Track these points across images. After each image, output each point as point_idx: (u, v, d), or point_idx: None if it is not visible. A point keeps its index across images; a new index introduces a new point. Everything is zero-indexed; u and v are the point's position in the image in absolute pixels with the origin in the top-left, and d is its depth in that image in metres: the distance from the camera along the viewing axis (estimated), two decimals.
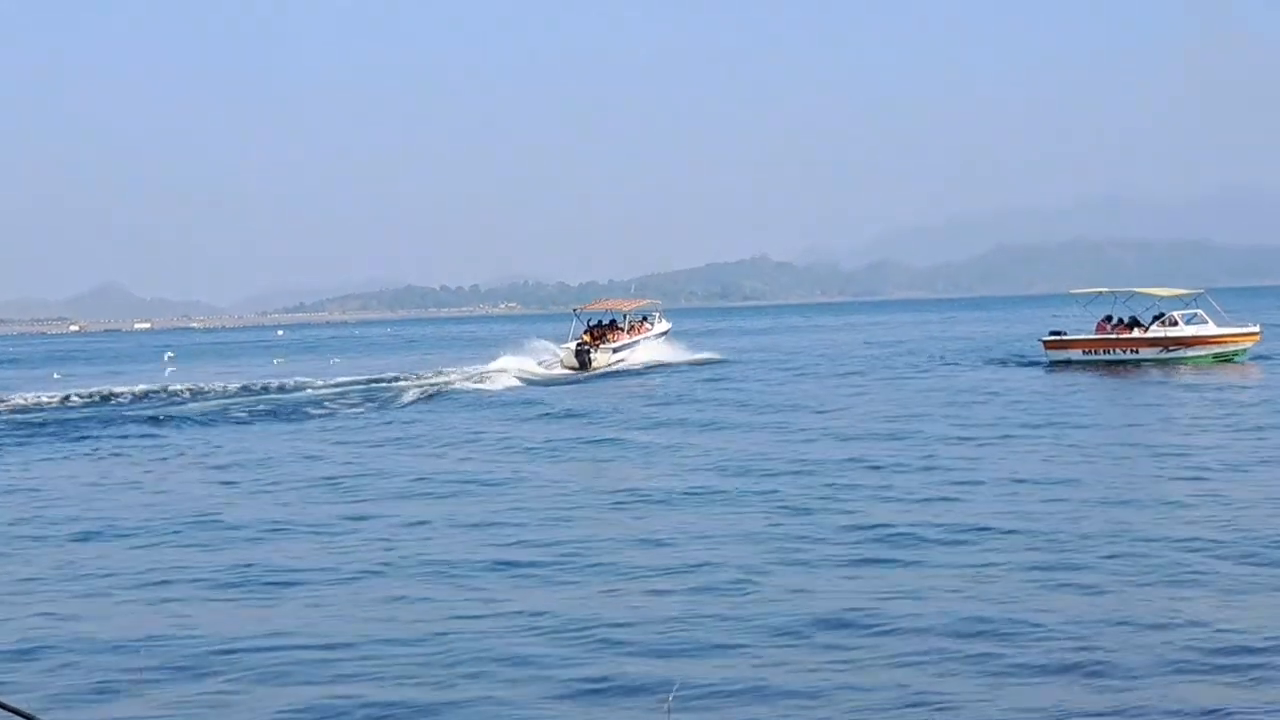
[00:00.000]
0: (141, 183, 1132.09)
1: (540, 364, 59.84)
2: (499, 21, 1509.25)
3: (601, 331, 63.71)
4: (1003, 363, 55.82)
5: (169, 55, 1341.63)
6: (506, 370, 55.49)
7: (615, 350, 61.74)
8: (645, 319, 68.44)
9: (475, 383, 51.00)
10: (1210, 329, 51.07)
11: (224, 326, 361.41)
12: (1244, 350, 51.03)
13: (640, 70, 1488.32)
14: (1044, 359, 53.30)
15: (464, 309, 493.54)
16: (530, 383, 52.80)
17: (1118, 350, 51.03)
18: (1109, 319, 52.59)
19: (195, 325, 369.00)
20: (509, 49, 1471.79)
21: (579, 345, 60.79)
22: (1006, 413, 33.76)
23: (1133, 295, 54.67)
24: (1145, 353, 50.63)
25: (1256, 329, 52.00)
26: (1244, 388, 39.90)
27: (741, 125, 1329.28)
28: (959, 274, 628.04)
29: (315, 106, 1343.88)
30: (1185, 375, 44.72)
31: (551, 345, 61.46)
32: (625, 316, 66.16)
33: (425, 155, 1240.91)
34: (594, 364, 59.55)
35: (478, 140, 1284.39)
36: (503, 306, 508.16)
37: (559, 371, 58.52)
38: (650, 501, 21.66)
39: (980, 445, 27.18)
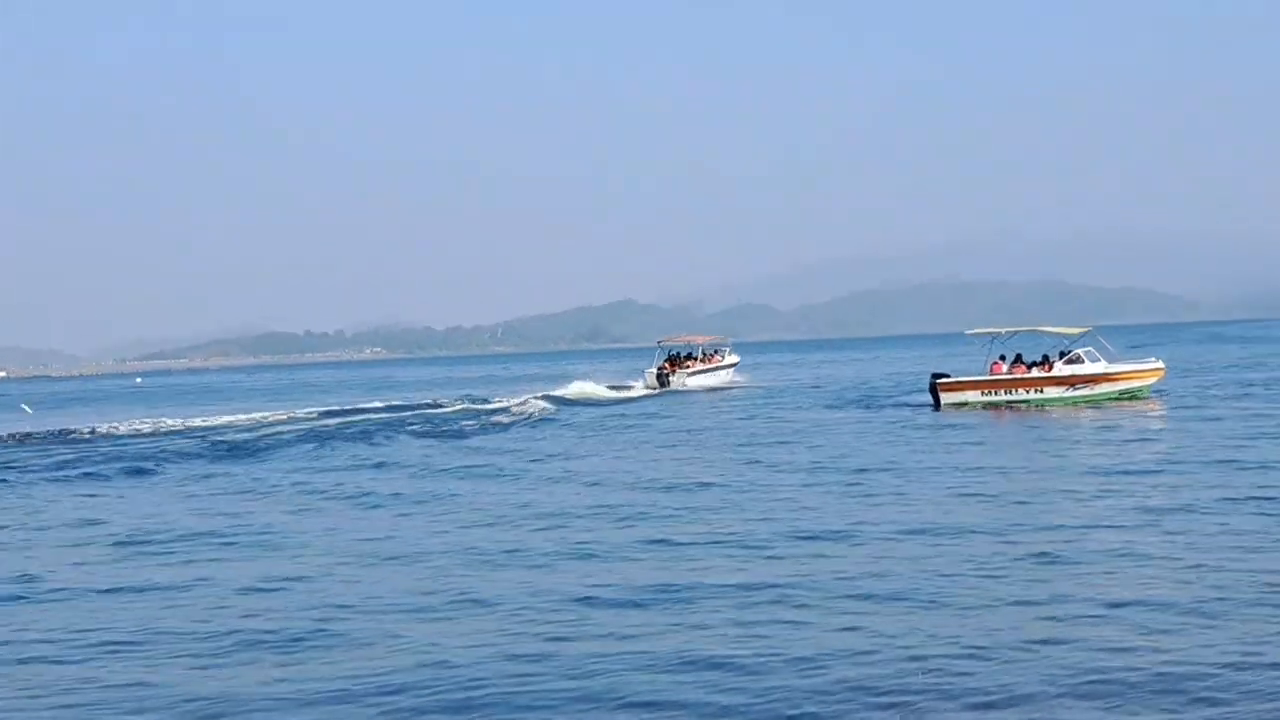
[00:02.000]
0: None
1: (609, 388, 72.70)
2: (360, 70, 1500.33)
3: (680, 360, 77.57)
4: (894, 405, 54.08)
5: (19, 90, 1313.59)
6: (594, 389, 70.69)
7: (690, 375, 75.12)
8: (717, 351, 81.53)
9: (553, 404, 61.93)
10: (1119, 365, 50.37)
11: (82, 375, 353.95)
12: (1148, 386, 50.36)
13: (506, 114, 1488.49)
14: (927, 401, 51.53)
15: (329, 354, 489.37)
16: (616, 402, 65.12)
17: (1020, 390, 49.28)
18: (1003, 358, 50.96)
19: (54, 374, 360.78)
20: (373, 95, 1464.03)
21: (659, 370, 74.86)
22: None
23: (1032, 332, 53.05)
24: (1050, 392, 49.02)
25: (1160, 365, 51.27)
26: (1162, 427, 38.88)
27: (607, 171, 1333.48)
28: (820, 316, 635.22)
29: (173, 147, 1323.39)
30: (1098, 414, 43.56)
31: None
32: (700, 349, 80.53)
33: (288, 198, 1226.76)
34: (671, 385, 73.15)
35: (342, 183, 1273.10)
36: (368, 351, 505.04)
37: (642, 391, 72.00)
38: None
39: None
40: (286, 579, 18.87)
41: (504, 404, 62.12)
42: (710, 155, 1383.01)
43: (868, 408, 53.56)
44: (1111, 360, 50.91)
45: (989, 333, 54.37)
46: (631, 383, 76.19)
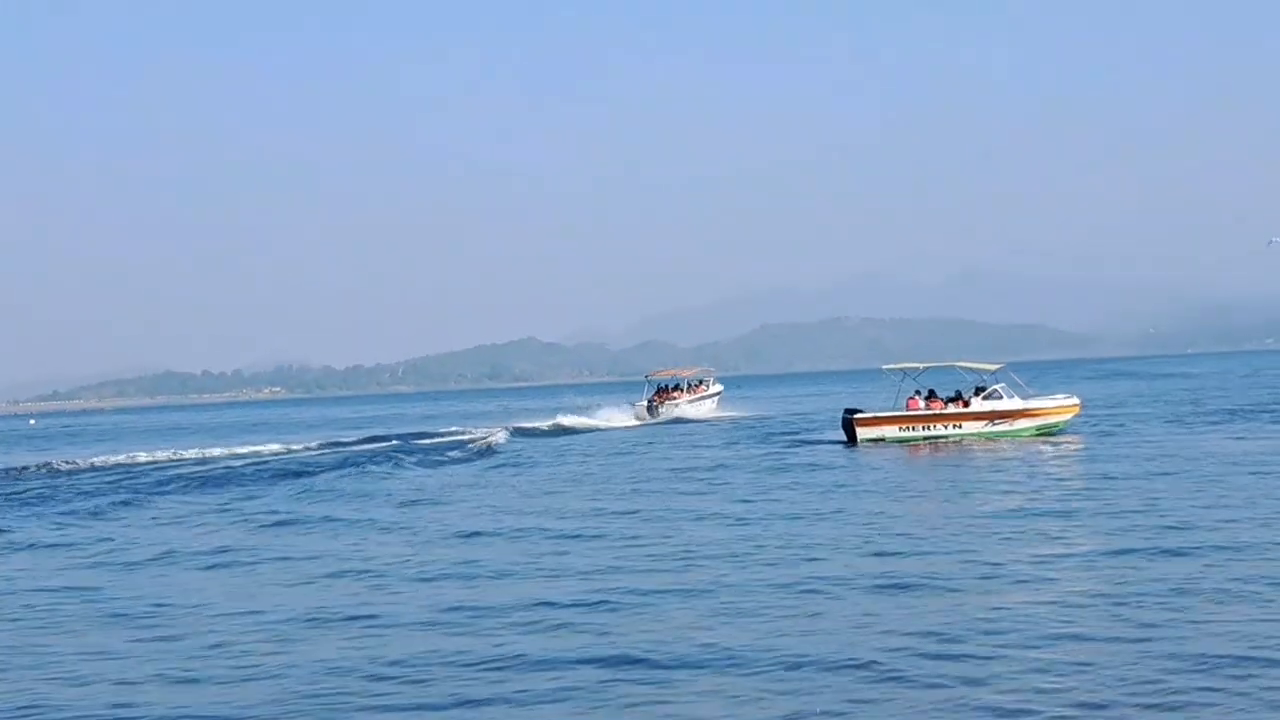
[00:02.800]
0: None
1: (598, 418, 78.04)
2: (257, 113, 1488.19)
3: (668, 392, 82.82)
4: (804, 442, 52.74)
5: None
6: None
7: (677, 406, 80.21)
8: (702, 383, 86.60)
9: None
10: (1037, 401, 49.99)
11: None
12: (1066, 422, 49.91)
13: (408, 153, 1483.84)
14: (837, 438, 51.03)
15: (227, 394, 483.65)
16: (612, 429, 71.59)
17: (939, 425, 48.76)
18: (918, 393, 50.47)
19: None
20: (264, 136, 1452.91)
21: (649, 402, 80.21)
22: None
23: (950, 368, 52.42)
24: (969, 427, 48.61)
25: (1077, 401, 50.93)
26: (1078, 465, 38.39)
27: (508, 207, 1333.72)
28: (723, 353, 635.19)
29: (63, 183, 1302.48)
30: (1017, 450, 43.03)
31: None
32: (686, 381, 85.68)
33: (184, 236, 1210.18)
34: (660, 415, 78.24)
35: (239, 220, 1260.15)
36: (266, 391, 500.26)
37: (632, 421, 76.97)
38: None
39: None
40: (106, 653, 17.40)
41: (463, 437, 63.71)
42: (609, 194, 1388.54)
43: (783, 444, 52.66)
44: (1024, 396, 50.47)
45: (906, 368, 53.99)
46: (615, 413, 79.96)
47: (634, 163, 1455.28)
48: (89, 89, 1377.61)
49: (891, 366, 55.06)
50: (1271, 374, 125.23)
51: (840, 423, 52.22)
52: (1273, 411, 58.95)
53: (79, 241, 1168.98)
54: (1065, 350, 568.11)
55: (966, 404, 49.59)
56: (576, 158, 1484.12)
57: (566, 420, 74.95)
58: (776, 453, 48.00)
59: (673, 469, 42.68)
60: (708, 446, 53.56)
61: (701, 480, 38.13)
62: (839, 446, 48.95)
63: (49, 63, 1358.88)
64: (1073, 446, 44.45)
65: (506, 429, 68.10)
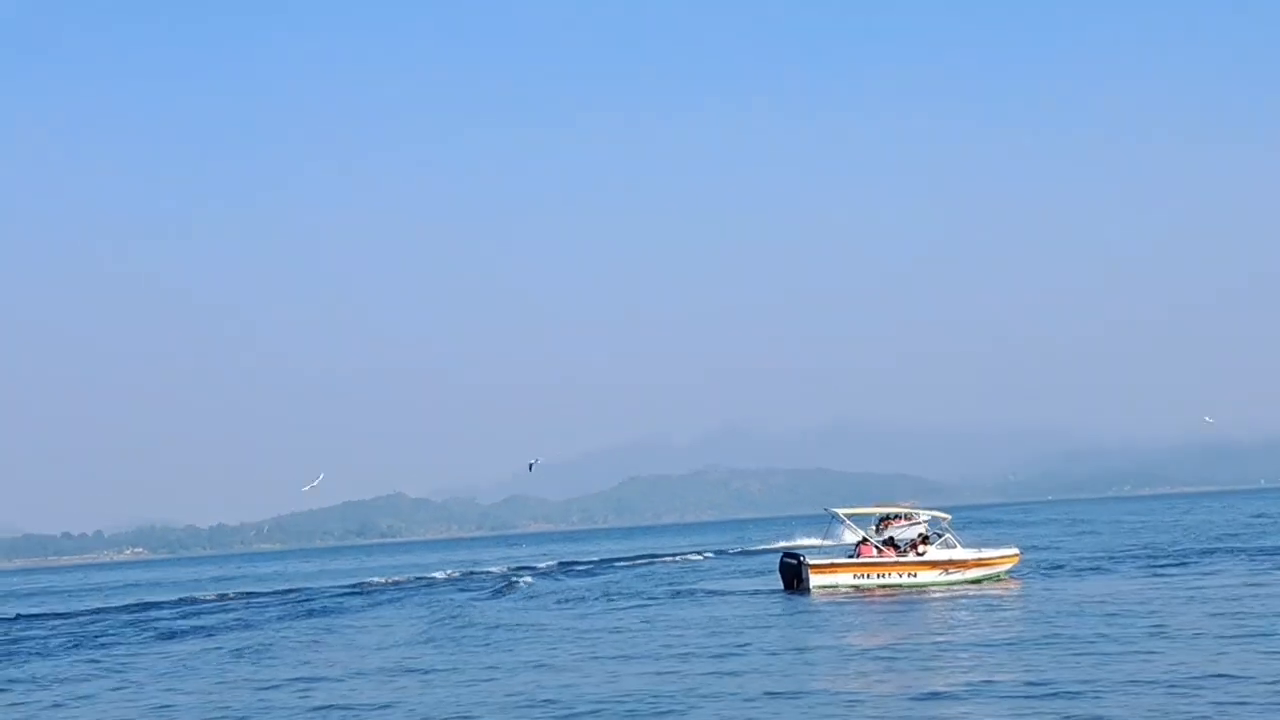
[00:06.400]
0: None
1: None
2: (92, 276, 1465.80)
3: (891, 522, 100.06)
4: (728, 593, 52.11)
5: None
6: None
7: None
8: (908, 516, 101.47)
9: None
10: (987, 551, 51.72)
11: None
12: (1009, 570, 51.25)
13: (269, 305, 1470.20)
14: (762, 587, 51.41)
15: (88, 556, 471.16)
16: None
17: (894, 574, 48.94)
18: (865, 540, 50.93)
19: None
20: (116, 294, 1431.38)
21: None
22: None
23: (911, 511, 53.68)
24: (924, 576, 49.12)
25: (1017, 551, 52.80)
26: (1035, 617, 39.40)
27: (373, 364, 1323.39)
28: (592, 506, 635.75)
29: None
30: (975, 599, 42.96)
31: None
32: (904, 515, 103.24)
33: (37, 396, 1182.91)
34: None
35: (94, 380, 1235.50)
36: (128, 552, 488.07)
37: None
38: None
39: None
40: None
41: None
42: (471, 349, 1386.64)
43: (711, 593, 52.45)
44: (963, 544, 51.96)
45: (861, 513, 55.12)
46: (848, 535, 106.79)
47: (495, 319, 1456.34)
48: None
49: (845, 511, 55.56)
50: (1144, 520, 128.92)
51: (780, 567, 52.08)
52: (1148, 556, 61.27)
53: None
54: (928, 499, 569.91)
55: (922, 552, 50.66)
56: (436, 319, 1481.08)
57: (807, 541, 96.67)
58: (718, 603, 48.04)
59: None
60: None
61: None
62: (775, 595, 48.59)
63: None
64: (1013, 592, 45.38)
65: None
